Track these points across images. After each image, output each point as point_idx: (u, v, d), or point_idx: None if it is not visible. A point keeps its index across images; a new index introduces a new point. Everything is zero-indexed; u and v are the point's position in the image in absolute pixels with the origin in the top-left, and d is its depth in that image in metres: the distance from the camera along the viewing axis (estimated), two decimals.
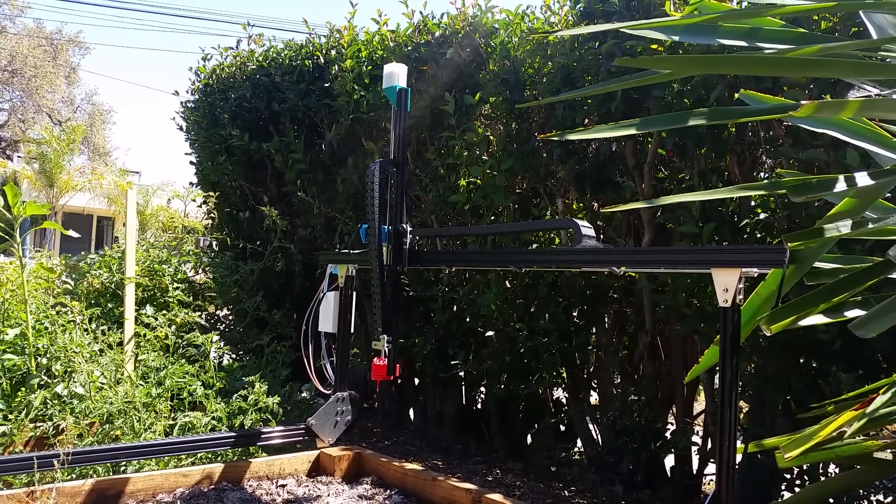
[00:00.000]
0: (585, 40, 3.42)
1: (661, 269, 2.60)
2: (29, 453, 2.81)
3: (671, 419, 3.51)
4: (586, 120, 3.55)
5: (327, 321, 3.41)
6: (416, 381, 4.73)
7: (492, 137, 3.96)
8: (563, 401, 4.12)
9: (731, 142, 3.14)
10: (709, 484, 3.42)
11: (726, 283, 1.90)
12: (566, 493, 3.41)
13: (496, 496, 2.58)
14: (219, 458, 3.26)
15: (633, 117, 3.17)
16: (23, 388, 3.50)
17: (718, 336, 1.91)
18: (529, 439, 4.16)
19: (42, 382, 3.54)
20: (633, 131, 2.40)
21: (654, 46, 3.11)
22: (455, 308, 4.21)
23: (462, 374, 4.20)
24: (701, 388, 3.48)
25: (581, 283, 3.61)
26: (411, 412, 4.78)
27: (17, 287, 4.10)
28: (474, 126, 3.94)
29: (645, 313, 3.44)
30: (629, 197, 3.37)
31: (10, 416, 3.35)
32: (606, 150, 3.55)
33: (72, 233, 4.26)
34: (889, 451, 1.79)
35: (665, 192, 3.42)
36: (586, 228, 2.45)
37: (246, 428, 3.44)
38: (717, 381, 3.29)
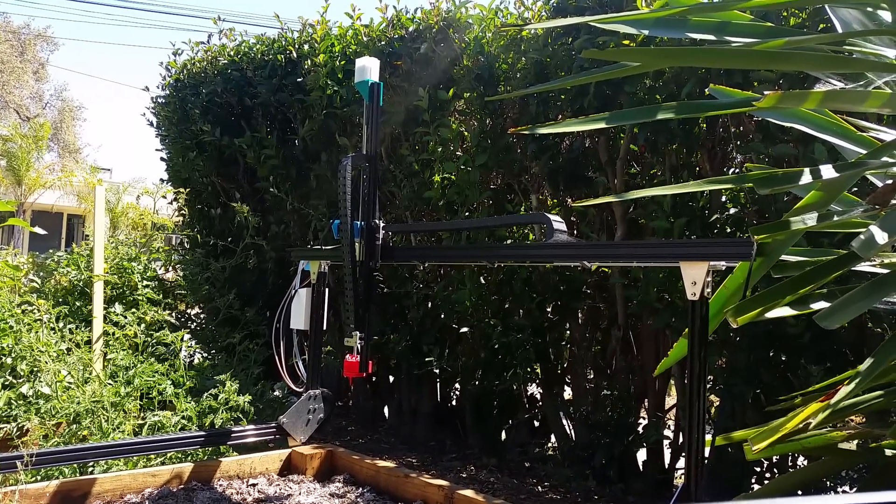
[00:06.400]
0: (559, 36, 3.42)
1: (633, 263, 2.61)
2: None
3: (644, 413, 3.53)
4: (560, 115, 3.55)
5: (299, 318, 3.37)
6: (391, 378, 4.70)
7: (466, 133, 3.95)
8: (538, 396, 4.13)
9: (702, 138, 3.16)
10: (680, 477, 3.44)
11: (694, 276, 1.91)
12: (540, 489, 3.41)
13: (468, 492, 2.57)
14: (189, 458, 3.21)
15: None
16: None
17: (687, 329, 1.92)
18: (504, 435, 4.16)
19: (7, 383, 3.47)
20: (602, 125, 2.40)
21: (627, 42, 3.12)
22: (430, 305, 4.19)
23: (437, 370, 4.19)
24: (672, 382, 3.51)
25: (555, 279, 3.61)
26: (386, 410, 4.76)
27: None
28: (448, 122, 3.93)
29: (618, 308, 3.45)
30: (602, 192, 3.38)
31: None
32: (579, 146, 3.56)
33: (38, 229, 4.17)
34: (854, 441, 1.81)
35: (637, 187, 3.43)
36: (558, 223, 2.44)
37: (216, 427, 3.39)
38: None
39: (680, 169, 3.27)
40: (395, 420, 4.58)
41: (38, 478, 2.85)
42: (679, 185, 2.81)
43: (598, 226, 3.51)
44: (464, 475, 3.54)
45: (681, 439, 3.34)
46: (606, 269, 3.41)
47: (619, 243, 3.10)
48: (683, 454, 3.34)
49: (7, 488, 2.55)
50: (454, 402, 4.50)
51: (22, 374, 3.53)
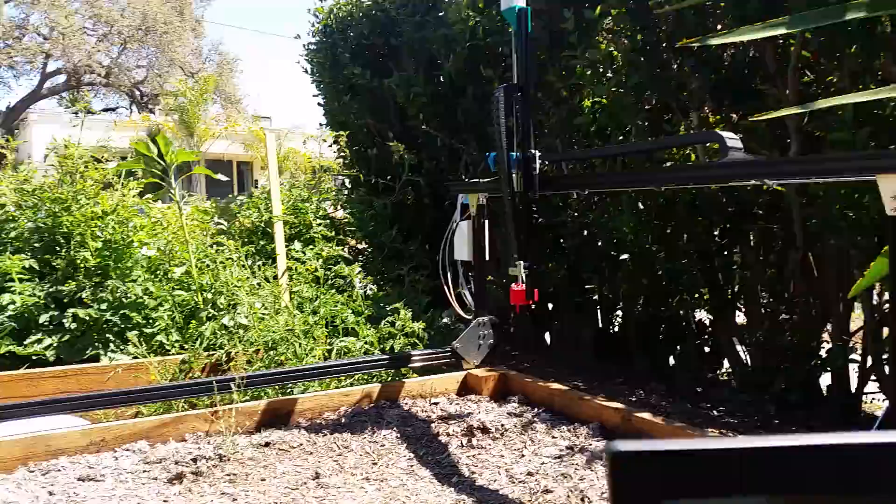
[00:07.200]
0: None
1: (820, 179, 2.45)
2: (208, 378, 3.14)
3: (825, 337, 3.37)
4: (719, 26, 3.33)
5: (462, 250, 3.52)
6: (551, 305, 4.78)
7: (616, 53, 3.80)
8: (707, 322, 4.03)
9: (886, 39, 2.85)
10: (871, 402, 3.27)
11: (895, 189, 1.78)
12: (715, 413, 3.38)
13: (645, 415, 2.61)
14: (374, 379, 3.49)
15: (771, 19, 2.95)
16: (193, 321, 3.88)
17: (886, 247, 1.81)
18: (672, 361, 4.13)
19: (209, 315, 3.90)
20: (781, 31, 2.24)
21: None
22: (586, 233, 4.18)
23: (597, 297, 4.20)
24: (858, 304, 3.30)
25: (722, 201, 3.47)
26: (547, 336, 4.86)
27: (178, 229, 4.49)
28: (597, 42, 3.79)
29: (795, 229, 3.27)
30: (772, 105, 3.17)
31: (186, 346, 3.75)
32: (743, 56, 3.33)
33: (220, 176, 4.58)
34: None
35: (811, 96, 3.18)
36: (732, 140, 2.35)
37: (396, 351, 3.65)
38: (875, 296, 3.11)
39: (860, 74, 2.99)
40: (557, 346, 4.67)
41: (247, 398, 3.24)
42: (869, 91, 2.58)
43: (769, 142, 3.31)
44: (633, 399, 3.57)
45: (869, 363, 3.16)
46: (780, 188, 3.23)
47: (805, 158, 2.91)
48: (872, 378, 3.18)
49: (225, 406, 2.93)
50: (616, 329, 4.51)
51: (221, 307, 3.96)
